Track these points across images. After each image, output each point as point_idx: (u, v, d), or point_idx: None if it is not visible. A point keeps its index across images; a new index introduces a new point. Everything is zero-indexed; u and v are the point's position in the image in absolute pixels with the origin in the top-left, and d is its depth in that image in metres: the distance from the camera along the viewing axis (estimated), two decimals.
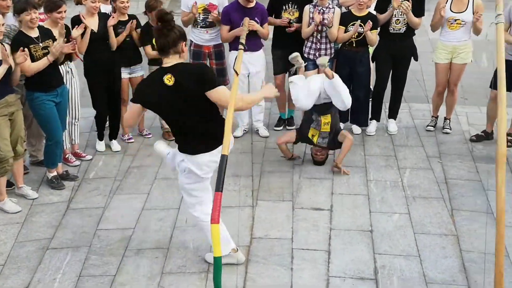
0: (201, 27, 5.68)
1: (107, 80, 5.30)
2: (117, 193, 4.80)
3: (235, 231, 4.04)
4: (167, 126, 5.84)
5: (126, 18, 5.41)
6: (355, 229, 4.21)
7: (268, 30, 5.60)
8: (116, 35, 5.25)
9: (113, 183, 4.97)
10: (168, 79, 3.22)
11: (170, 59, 3.27)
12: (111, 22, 5.13)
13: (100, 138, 5.64)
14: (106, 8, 5.65)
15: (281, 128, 6.05)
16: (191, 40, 5.85)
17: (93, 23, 5.08)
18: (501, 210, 2.62)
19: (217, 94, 3.21)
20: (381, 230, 4.19)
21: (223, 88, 3.28)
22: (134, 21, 5.40)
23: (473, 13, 5.41)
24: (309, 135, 5.11)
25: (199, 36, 5.73)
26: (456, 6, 5.44)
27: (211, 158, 3.40)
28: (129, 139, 5.81)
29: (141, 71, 5.70)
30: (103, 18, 5.18)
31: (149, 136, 5.92)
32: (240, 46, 3.47)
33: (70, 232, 4.25)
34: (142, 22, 5.60)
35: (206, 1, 5.59)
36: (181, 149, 3.48)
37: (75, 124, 5.33)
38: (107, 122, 5.63)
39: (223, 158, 2.77)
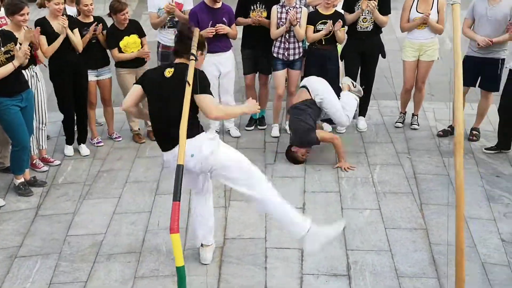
0: (168, 27, 5.65)
1: (73, 82, 5.22)
2: (86, 198, 4.73)
3: None
4: (136, 129, 5.82)
5: (91, 20, 5.33)
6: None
7: (236, 31, 5.60)
8: (82, 37, 5.18)
9: (82, 188, 4.89)
10: (169, 72, 3.45)
11: (181, 60, 3.50)
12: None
13: (69, 142, 5.54)
14: (72, 10, 5.56)
15: (252, 128, 6.06)
16: (158, 42, 5.81)
17: (57, 26, 4.99)
18: (460, 185, 2.67)
19: (203, 101, 3.35)
20: (352, 226, 4.23)
21: (211, 98, 3.41)
22: (101, 25, 5.33)
23: (438, 13, 5.54)
24: None
25: (166, 37, 5.70)
26: (422, 6, 5.56)
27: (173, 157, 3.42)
28: (98, 142, 5.72)
29: (109, 73, 5.63)
30: (68, 20, 5.09)
31: (119, 140, 5.85)
32: (191, 57, 3.45)
33: (39, 239, 4.16)
34: (108, 24, 5.53)
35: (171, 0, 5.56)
36: (164, 148, 3.55)
37: (42, 129, 5.22)
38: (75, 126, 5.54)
39: (179, 168, 2.79)
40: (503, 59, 5.37)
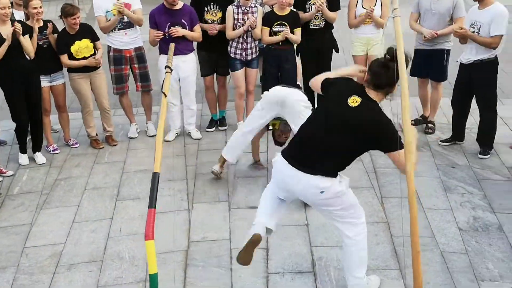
0: (118, 29, 5.52)
1: (25, 89, 5.06)
2: (44, 208, 4.59)
3: (171, 236, 3.98)
4: (93, 135, 5.69)
5: (41, 24, 5.17)
6: (291, 224, 4.26)
7: (200, 33, 5.50)
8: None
9: (39, 198, 4.74)
10: (354, 101, 3.03)
11: (374, 94, 3.08)
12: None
13: (23, 151, 5.36)
14: (20, 15, 5.38)
15: (213, 129, 6.02)
16: (109, 46, 5.65)
17: (5, 31, 4.81)
18: (412, 193, 2.77)
19: (397, 159, 3.01)
20: (316, 223, 4.27)
21: (402, 153, 2.96)
22: (50, 25, 5.20)
23: (381, 8, 5.71)
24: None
25: (118, 40, 5.56)
26: (367, 3, 5.73)
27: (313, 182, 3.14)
28: (54, 150, 5.57)
29: (62, 78, 5.48)
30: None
31: (75, 146, 5.70)
32: (167, 69, 3.60)
33: None
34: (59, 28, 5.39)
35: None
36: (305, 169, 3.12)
37: None
38: (29, 134, 5.36)
39: (155, 176, 2.90)
40: (448, 50, 5.60)
